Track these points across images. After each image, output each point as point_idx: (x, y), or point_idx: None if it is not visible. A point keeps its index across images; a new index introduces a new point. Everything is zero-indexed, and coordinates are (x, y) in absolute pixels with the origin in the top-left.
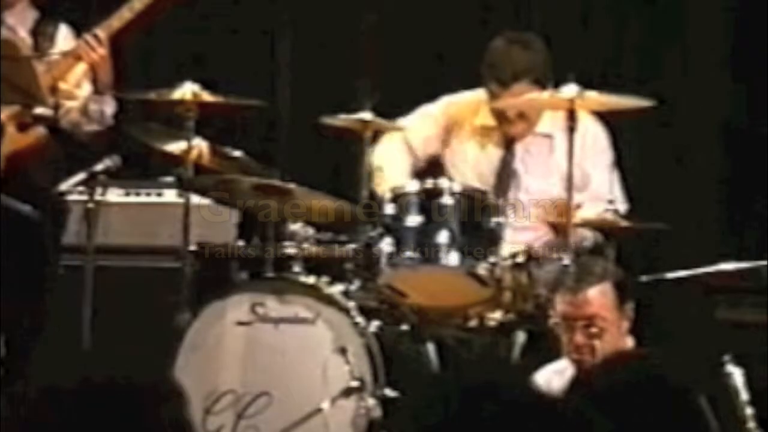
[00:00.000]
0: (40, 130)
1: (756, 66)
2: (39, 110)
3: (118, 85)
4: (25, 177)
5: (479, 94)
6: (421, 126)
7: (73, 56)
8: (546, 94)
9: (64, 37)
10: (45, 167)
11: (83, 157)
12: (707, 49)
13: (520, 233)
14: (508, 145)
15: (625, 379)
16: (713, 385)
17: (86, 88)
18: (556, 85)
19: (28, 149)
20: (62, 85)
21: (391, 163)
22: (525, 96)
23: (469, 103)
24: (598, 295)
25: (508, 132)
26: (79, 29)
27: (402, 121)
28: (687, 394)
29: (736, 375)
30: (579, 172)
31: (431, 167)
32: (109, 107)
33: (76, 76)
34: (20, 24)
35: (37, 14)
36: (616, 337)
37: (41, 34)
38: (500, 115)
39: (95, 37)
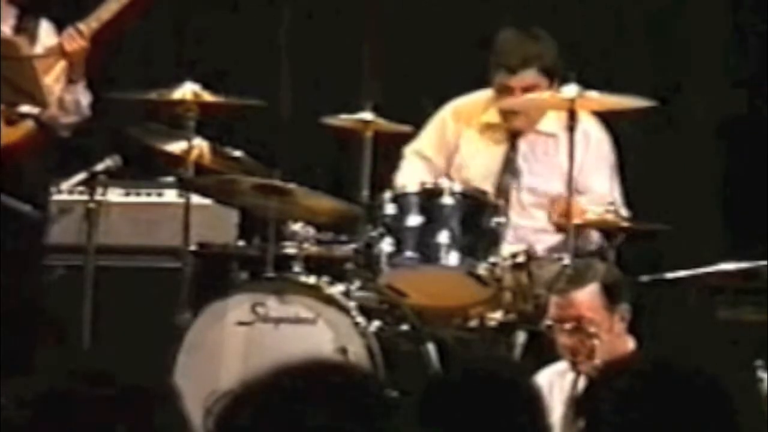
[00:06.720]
0: (29, 124)
1: (756, 66)
2: (25, 108)
3: (113, 84)
4: (17, 171)
5: (486, 94)
6: (433, 136)
7: (59, 51)
8: (546, 94)
9: (46, 34)
10: (36, 160)
11: (84, 156)
12: (707, 49)
13: (540, 235)
14: (512, 141)
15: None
16: (744, 390)
17: (62, 82)
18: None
19: (19, 143)
20: (45, 81)
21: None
22: (527, 96)
23: (476, 102)
24: (584, 297)
25: (511, 126)
26: (61, 25)
27: (417, 140)
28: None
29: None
30: (580, 176)
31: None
32: (84, 97)
33: (56, 73)
34: (2, 22)
35: (17, 11)
36: (611, 338)
37: (23, 31)
38: (503, 109)
39: (77, 30)
